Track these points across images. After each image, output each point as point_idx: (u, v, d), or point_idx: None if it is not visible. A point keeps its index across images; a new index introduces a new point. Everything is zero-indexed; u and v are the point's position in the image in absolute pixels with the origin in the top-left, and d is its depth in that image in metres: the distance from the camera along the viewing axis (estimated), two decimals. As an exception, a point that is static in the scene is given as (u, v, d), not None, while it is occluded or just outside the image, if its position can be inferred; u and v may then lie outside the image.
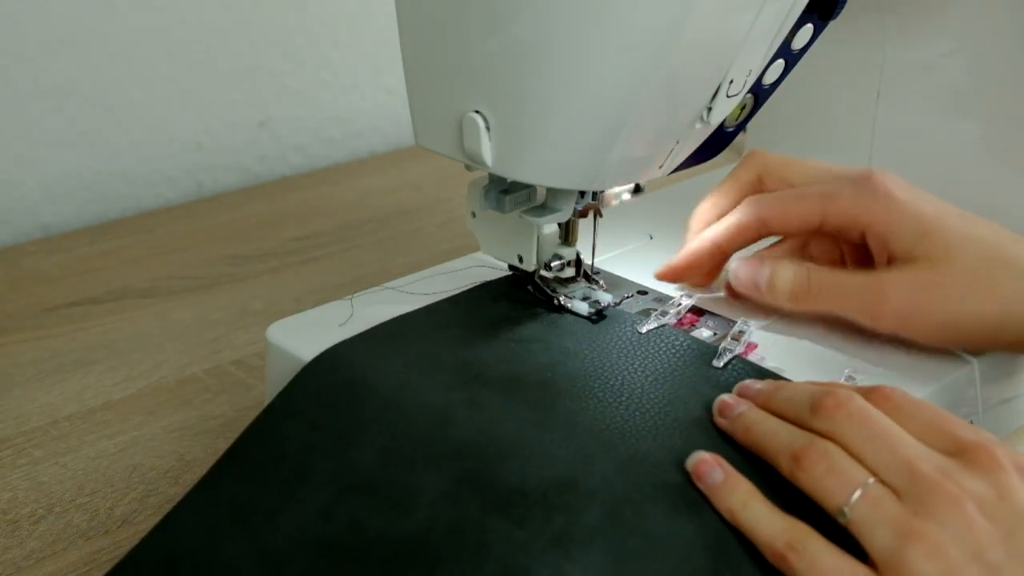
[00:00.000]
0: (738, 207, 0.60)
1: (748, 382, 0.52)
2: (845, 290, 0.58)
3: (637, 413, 0.52)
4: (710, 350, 0.57)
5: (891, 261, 0.57)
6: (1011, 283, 0.56)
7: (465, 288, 0.62)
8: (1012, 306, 0.56)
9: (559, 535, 0.45)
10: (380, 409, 0.52)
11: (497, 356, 0.56)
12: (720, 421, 0.51)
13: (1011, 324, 0.56)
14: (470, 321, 0.59)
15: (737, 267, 0.60)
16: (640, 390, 0.53)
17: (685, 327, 0.59)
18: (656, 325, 0.58)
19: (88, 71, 0.94)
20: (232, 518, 0.49)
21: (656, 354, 0.56)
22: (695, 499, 0.47)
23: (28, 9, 0.89)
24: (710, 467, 0.47)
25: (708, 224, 0.62)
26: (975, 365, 0.59)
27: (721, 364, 0.56)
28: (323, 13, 1.06)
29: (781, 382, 0.52)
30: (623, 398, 0.53)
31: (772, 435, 0.48)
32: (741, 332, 0.58)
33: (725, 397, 0.51)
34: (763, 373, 0.55)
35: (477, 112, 0.53)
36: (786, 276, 0.59)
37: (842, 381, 0.55)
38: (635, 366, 0.55)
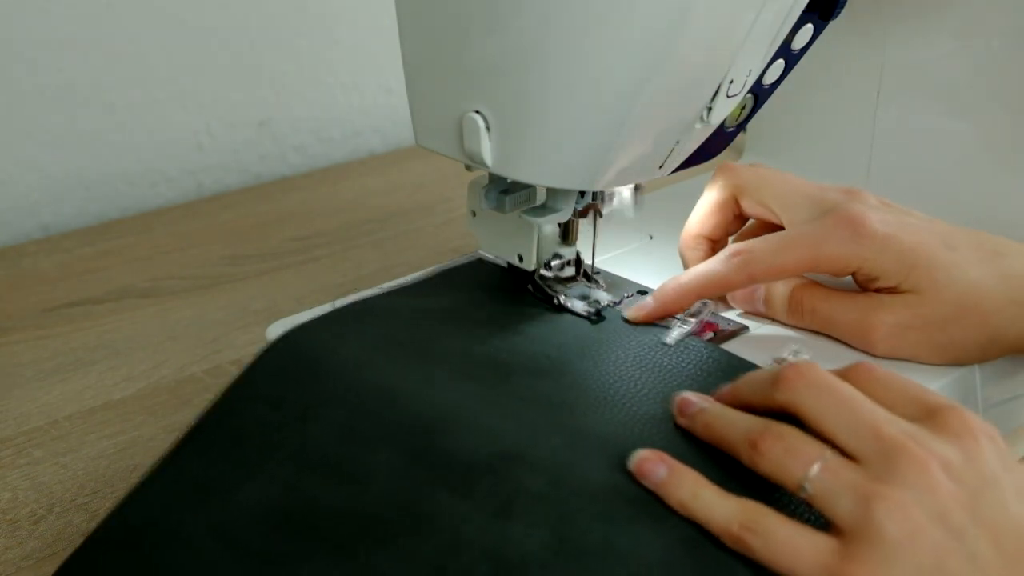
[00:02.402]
0: (724, 259, 0.58)
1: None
2: (835, 321, 0.59)
3: (588, 390, 0.52)
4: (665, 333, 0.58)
5: (878, 291, 0.58)
6: (997, 311, 0.57)
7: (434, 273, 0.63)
8: (1000, 330, 0.57)
9: (503, 503, 0.46)
10: (338, 388, 0.53)
11: (455, 337, 0.56)
12: (681, 420, 0.50)
13: (1001, 344, 0.57)
14: (431, 304, 0.60)
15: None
16: (592, 369, 0.54)
17: (706, 334, 0.59)
18: (680, 336, 0.58)
19: (88, 71, 0.94)
20: (193, 493, 0.50)
21: (610, 336, 0.57)
22: None
23: (28, 9, 0.89)
24: (653, 464, 0.47)
25: (701, 255, 0.62)
26: (975, 365, 0.59)
27: (671, 342, 0.57)
28: (323, 13, 1.06)
29: (744, 375, 0.51)
30: (575, 377, 0.54)
31: (730, 426, 0.48)
32: (698, 311, 0.59)
33: (685, 394, 0.51)
34: (714, 352, 0.56)
35: (477, 112, 0.53)
36: (781, 295, 0.60)
37: (786, 356, 0.56)
38: (588, 347, 0.56)
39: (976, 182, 0.71)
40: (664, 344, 0.57)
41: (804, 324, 0.60)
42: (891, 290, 0.57)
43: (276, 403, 0.53)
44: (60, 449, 0.64)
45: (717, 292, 0.60)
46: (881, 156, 0.75)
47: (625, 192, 0.61)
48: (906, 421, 0.45)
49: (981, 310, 0.56)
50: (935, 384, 0.57)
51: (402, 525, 0.46)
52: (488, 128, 0.53)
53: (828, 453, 0.44)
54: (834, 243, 0.57)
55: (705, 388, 0.52)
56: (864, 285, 0.59)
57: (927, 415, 0.45)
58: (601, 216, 0.61)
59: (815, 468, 0.44)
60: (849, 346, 0.59)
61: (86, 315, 0.78)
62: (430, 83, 0.55)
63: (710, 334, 0.59)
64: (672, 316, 0.59)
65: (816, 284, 0.60)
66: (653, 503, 0.46)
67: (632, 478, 0.47)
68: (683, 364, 0.55)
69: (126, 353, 0.73)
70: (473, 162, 0.55)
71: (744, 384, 0.50)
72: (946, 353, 0.58)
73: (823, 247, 0.57)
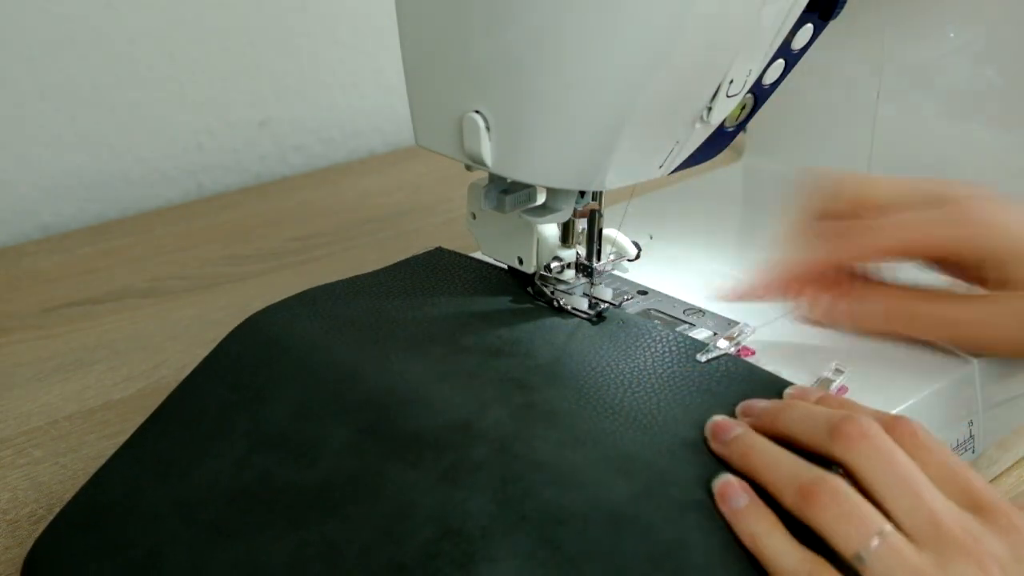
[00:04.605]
0: (814, 243, 0.58)
1: (752, 401, 0.51)
2: (950, 322, 0.58)
3: (535, 367, 0.53)
4: (613, 315, 0.58)
5: (983, 283, 0.58)
6: None
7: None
8: None
9: (448, 469, 0.47)
10: (295, 368, 0.54)
11: (411, 318, 0.58)
12: (714, 446, 0.49)
13: None
14: (389, 289, 0.61)
15: (818, 299, 0.60)
16: (545, 350, 0.55)
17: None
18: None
19: (88, 71, 0.94)
20: (154, 472, 0.53)
21: (560, 316, 0.58)
22: (582, 438, 0.48)
23: (28, 9, 0.89)
24: (735, 492, 0.46)
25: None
26: (975, 365, 0.59)
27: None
28: (323, 13, 1.06)
29: (788, 401, 0.50)
30: (528, 357, 0.54)
31: (774, 466, 0.47)
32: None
33: (719, 418, 0.50)
34: (644, 322, 0.57)
35: (477, 112, 0.53)
36: (876, 309, 0.59)
37: (828, 376, 0.55)
38: (543, 330, 0.57)
39: (975, 182, 0.71)
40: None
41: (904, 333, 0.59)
42: (997, 282, 0.57)
43: (234, 384, 0.55)
44: (60, 449, 0.64)
45: (807, 276, 0.60)
46: (881, 156, 0.75)
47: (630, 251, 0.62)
48: (959, 511, 0.45)
49: None
50: (935, 384, 0.57)
51: (350, 495, 0.48)
52: (488, 128, 0.53)
53: (887, 527, 0.44)
54: (933, 225, 0.57)
55: (670, 376, 0.53)
56: (965, 274, 0.58)
57: (975, 507, 0.45)
58: (601, 216, 0.61)
59: (875, 542, 0.43)
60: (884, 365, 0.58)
61: (86, 315, 0.78)
62: (430, 83, 0.55)
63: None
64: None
65: (916, 294, 0.59)
66: (594, 468, 0.47)
67: (574, 451, 0.47)
68: (642, 348, 0.55)
69: (126, 353, 0.73)
70: (473, 162, 0.55)
71: (791, 417, 0.49)
72: None
73: (917, 231, 0.57)
